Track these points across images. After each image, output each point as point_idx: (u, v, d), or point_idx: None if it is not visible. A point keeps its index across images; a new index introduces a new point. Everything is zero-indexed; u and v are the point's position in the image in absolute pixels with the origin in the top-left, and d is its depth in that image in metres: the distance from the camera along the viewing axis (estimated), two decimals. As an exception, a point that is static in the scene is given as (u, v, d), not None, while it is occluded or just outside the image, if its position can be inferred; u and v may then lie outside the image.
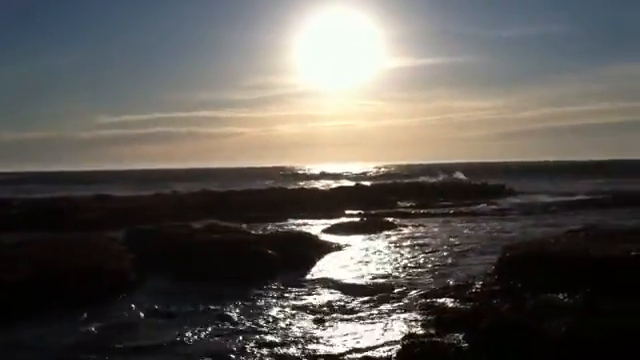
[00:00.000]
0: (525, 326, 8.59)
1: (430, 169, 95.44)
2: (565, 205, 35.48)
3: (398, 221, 27.34)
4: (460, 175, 72.75)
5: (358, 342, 9.54)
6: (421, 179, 65.49)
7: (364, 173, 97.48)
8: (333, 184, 59.20)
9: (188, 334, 10.33)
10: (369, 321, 10.82)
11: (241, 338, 10.03)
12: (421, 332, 9.49)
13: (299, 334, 10.19)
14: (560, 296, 10.13)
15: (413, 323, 10.26)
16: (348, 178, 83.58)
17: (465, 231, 24.34)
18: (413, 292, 12.93)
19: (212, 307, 12.13)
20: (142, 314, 11.87)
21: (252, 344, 9.72)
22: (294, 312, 11.68)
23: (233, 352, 9.38)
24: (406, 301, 12.17)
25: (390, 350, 8.99)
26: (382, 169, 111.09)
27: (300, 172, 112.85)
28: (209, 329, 10.62)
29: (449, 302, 11.09)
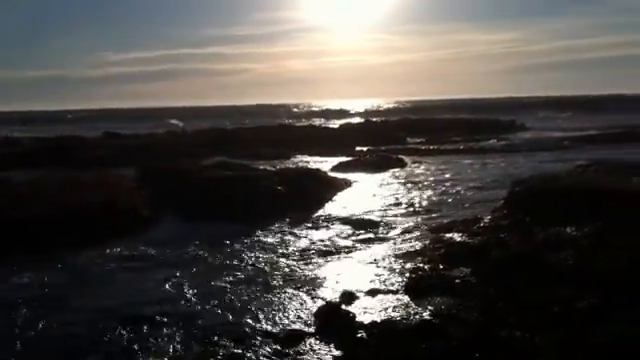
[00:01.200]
0: (533, 258, 8.69)
1: (443, 106, 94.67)
2: (576, 140, 35.22)
3: (407, 158, 27.33)
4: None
5: (367, 276, 9.70)
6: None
7: (373, 109, 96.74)
8: (342, 121, 58.94)
9: (188, 275, 10.52)
10: (377, 255, 10.97)
11: (243, 276, 10.19)
12: (429, 265, 9.63)
13: (308, 271, 10.37)
14: (568, 229, 10.17)
15: (421, 256, 10.40)
16: (357, 114, 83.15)
17: (475, 167, 24.34)
18: (422, 227, 13.07)
19: (220, 244, 12.31)
20: (152, 252, 12.04)
21: (257, 285, 9.91)
22: (303, 249, 11.85)
23: (230, 291, 9.58)
24: (415, 235, 12.32)
25: (399, 283, 9.15)
26: (392, 105, 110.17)
27: (309, 109, 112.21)
28: (214, 267, 10.78)
29: (457, 236, 11.19)
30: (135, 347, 7.32)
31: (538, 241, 9.62)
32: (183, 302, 8.90)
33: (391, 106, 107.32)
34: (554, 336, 6.41)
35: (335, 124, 51.43)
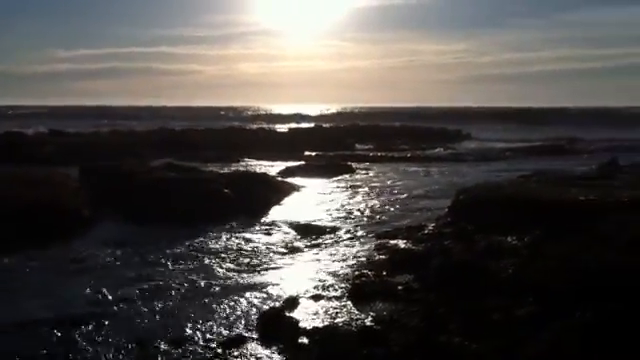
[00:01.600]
0: (474, 266, 8.84)
1: (392, 113, 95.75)
2: (520, 151, 36.11)
3: (356, 164, 27.50)
4: None
5: (310, 281, 9.69)
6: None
7: (324, 114, 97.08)
8: (292, 125, 58.92)
9: (126, 279, 10.32)
10: (322, 261, 10.99)
11: (184, 280, 10.03)
12: (372, 271, 9.69)
13: (251, 276, 10.31)
14: (509, 238, 10.40)
15: (365, 263, 10.46)
16: (308, 119, 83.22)
17: (421, 175, 24.69)
18: (367, 233, 13.16)
19: (161, 247, 12.11)
20: (90, 253, 11.74)
21: (198, 289, 9.81)
22: (248, 253, 11.77)
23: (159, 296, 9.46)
24: (359, 242, 12.39)
25: (342, 289, 9.17)
26: (343, 110, 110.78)
27: (260, 112, 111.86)
28: (154, 271, 10.57)
29: (401, 243, 11.31)
30: (70, 355, 7.08)
31: (480, 249, 9.80)
32: (120, 306, 8.70)
33: (342, 112, 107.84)
34: (492, 343, 6.53)
35: (285, 128, 51.41)
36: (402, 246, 11.02)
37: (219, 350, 7.14)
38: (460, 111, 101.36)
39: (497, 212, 11.84)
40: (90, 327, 7.85)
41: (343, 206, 16.78)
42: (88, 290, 9.42)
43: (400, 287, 8.76)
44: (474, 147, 40.61)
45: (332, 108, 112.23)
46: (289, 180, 21.34)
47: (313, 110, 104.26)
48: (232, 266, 10.80)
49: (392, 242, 11.58)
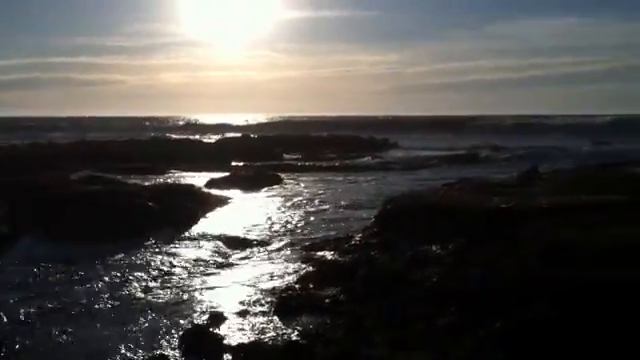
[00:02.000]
0: (399, 276, 8.88)
1: (322, 123, 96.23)
2: (445, 159, 36.87)
3: (284, 174, 27.41)
4: None
5: (236, 296, 9.52)
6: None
7: (252, 124, 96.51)
8: (220, 135, 58.32)
9: (41, 299, 9.91)
10: (248, 275, 10.83)
11: (104, 298, 9.72)
12: (299, 284, 9.61)
13: (175, 292, 10.06)
14: (434, 247, 10.51)
15: (292, 276, 10.37)
16: (236, 129, 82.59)
17: (349, 184, 24.83)
18: (294, 245, 13.07)
19: (80, 264, 11.67)
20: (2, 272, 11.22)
21: (119, 307, 9.48)
22: (172, 268, 11.49)
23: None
24: (286, 254, 12.28)
25: (268, 304, 9.04)
26: (272, 121, 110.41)
27: (186, 122, 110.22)
28: (71, 290, 10.18)
29: (328, 254, 11.28)
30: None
31: (405, 259, 9.86)
32: (36, 328, 8.30)
33: (271, 122, 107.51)
34: (415, 354, 6.54)
35: (212, 139, 50.82)
36: (329, 258, 10.98)
37: (140, 371, 6.88)
38: (390, 120, 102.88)
39: (423, 221, 11.96)
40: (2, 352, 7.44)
41: (270, 218, 16.63)
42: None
43: (327, 300, 8.71)
44: (401, 156, 41.20)
45: (261, 118, 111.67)
46: (216, 192, 21.03)
47: (242, 120, 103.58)
48: (155, 283, 10.49)
49: (319, 254, 11.53)
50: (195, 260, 12.00)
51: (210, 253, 12.57)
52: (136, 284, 10.38)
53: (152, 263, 11.81)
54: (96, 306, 9.22)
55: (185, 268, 11.41)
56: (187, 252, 12.70)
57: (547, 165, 25.62)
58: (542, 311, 7.00)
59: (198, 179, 25.22)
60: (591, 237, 8.42)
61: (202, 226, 15.49)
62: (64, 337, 7.98)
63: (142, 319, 8.58)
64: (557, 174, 19.04)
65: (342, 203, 19.25)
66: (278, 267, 11.24)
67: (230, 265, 11.67)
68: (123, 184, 19.33)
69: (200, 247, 13.17)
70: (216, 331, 7.92)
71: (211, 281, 10.58)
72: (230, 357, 7.12)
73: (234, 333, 7.91)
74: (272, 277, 10.55)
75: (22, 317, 8.75)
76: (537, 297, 7.29)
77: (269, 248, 12.95)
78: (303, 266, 10.88)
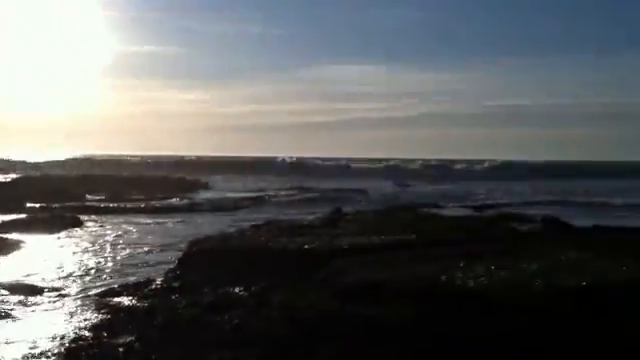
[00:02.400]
0: (198, 321, 8.65)
1: (129, 162, 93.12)
2: (255, 200, 37.20)
3: (85, 217, 25.89)
4: None
5: (20, 349, 8.62)
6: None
7: (52, 161, 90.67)
8: (14, 174, 53.95)
9: None
10: (37, 325, 9.90)
11: None
12: (91, 333, 8.96)
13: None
14: (237, 289, 10.46)
15: (84, 324, 9.64)
16: (33, 167, 77.02)
17: (155, 226, 24.06)
18: (90, 292, 12.24)
19: None
20: None
21: None
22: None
23: None
24: (80, 302, 11.44)
25: (55, 356, 8.29)
26: (74, 159, 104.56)
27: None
28: None
29: (126, 300, 10.70)
30: None
31: (206, 302, 9.65)
32: None
33: (74, 160, 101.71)
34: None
35: (7, 177, 46.92)
36: (126, 304, 10.41)
37: None
38: (201, 160, 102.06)
39: (227, 263, 11.91)
40: None
41: (66, 263, 15.49)
42: None
43: (120, 349, 8.18)
44: (211, 197, 40.86)
45: (62, 156, 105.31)
46: (6, 236, 19.27)
47: (41, 158, 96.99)
48: None
49: (116, 300, 10.89)
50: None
51: (-8, 303, 11.35)
52: None
53: None
54: None
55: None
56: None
57: (351, 207, 26.78)
58: (340, 351, 7.15)
59: (-15, 222, 22.93)
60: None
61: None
62: None
63: None
64: (360, 215, 20.00)
65: (146, 246, 18.53)
66: (70, 315, 10.41)
67: (16, 315, 10.57)
68: None
69: (-19, 297, 11.85)
70: (-9, 392, 7.06)
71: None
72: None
73: (12, 392, 7.11)
74: (62, 326, 9.71)
75: None
76: (334, 336, 7.44)
77: (62, 295, 11.99)
78: (97, 314, 10.18)
